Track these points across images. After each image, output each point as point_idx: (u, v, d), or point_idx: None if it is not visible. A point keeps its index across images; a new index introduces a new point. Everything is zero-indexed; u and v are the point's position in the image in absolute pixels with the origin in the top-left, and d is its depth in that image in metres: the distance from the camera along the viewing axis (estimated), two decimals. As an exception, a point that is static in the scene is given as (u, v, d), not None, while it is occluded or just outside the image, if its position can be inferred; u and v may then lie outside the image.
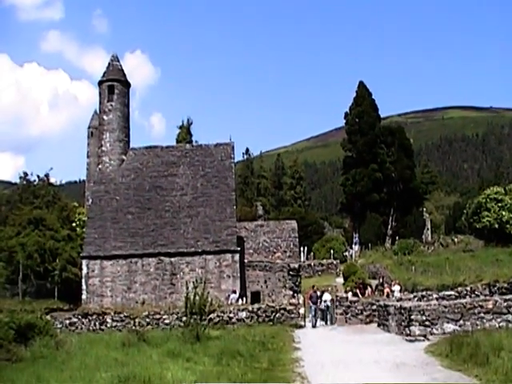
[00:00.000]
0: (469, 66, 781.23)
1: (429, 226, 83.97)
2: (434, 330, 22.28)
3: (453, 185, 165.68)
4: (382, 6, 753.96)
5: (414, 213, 79.34)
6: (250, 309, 29.52)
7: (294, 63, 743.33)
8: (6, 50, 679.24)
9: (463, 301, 23.67)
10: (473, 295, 28.27)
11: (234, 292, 35.40)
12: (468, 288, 29.89)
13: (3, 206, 66.71)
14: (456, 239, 69.95)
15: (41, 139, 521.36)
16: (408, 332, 22.65)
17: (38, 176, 66.72)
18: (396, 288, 35.75)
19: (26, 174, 67.58)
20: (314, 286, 34.94)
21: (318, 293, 33.03)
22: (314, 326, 30.08)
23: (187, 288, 24.95)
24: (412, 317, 22.66)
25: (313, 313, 30.95)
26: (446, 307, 22.77)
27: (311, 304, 31.57)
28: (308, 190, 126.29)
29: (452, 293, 28.89)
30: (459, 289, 29.95)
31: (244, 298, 36.58)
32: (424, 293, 30.14)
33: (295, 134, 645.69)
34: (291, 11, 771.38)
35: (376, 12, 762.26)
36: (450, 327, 22.23)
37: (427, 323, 22.51)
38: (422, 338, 21.80)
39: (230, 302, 32.92)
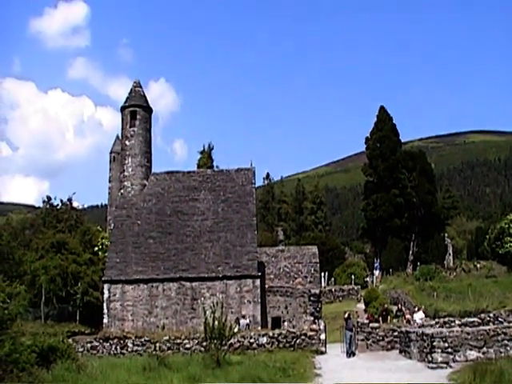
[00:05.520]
0: (490, 90, 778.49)
1: (451, 252, 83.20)
2: (457, 357, 22.05)
3: (475, 210, 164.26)
4: (402, 30, 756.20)
5: (435, 238, 78.75)
6: (271, 334, 29.41)
7: (314, 88, 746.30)
8: (32, 78, 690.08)
9: (486, 327, 23.41)
10: (496, 322, 27.93)
11: (244, 317, 34.95)
12: (491, 314, 29.54)
13: (27, 230, 67.34)
14: (478, 265, 69.24)
15: (66, 164, 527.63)
16: (430, 359, 22.43)
17: (61, 200, 67.41)
18: (419, 315, 35.04)
19: (49, 198, 68.30)
20: (346, 312, 33.62)
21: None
22: (353, 354, 28.02)
23: (205, 313, 24.89)
24: (434, 343, 22.44)
25: (348, 341, 28.54)
26: (468, 334, 22.54)
27: (347, 331, 28.89)
28: (329, 215, 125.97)
29: (475, 319, 28.55)
30: (482, 315, 29.60)
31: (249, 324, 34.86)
32: (446, 319, 29.80)
33: (316, 159, 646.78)
34: (311, 37, 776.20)
35: (396, 37, 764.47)
36: (473, 354, 22.00)
37: (450, 350, 22.28)
38: (445, 366, 21.58)
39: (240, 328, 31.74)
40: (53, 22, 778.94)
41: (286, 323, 39.44)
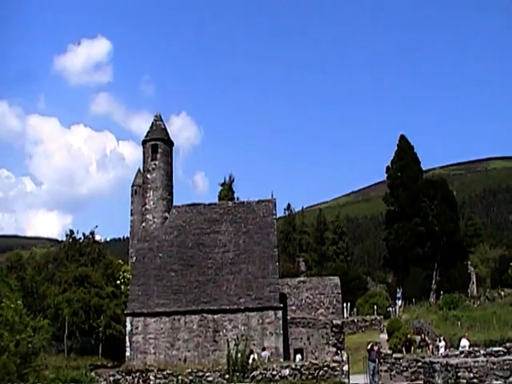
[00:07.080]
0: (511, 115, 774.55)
1: (474, 280, 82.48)
2: (483, 388, 21.75)
3: (498, 237, 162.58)
4: (420, 59, 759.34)
5: (458, 266, 78.08)
6: (294, 366, 29.27)
7: (333, 118, 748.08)
8: (56, 114, 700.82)
9: (512, 357, 23.10)
10: (522, 351, 27.53)
11: (264, 349, 34.62)
12: (517, 344, 29.12)
13: (50, 264, 67.91)
14: (503, 293, 68.58)
15: (88, 198, 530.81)
16: (455, 390, 22.16)
17: (84, 234, 68.01)
18: (463, 342, 34.08)
19: (72, 231, 68.92)
20: (369, 343, 33.25)
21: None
22: None
23: (228, 345, 24.84)
24: (459, 374, 22.13)
25: (371, 372, 28.72)
26: (494, 364, 22.21)
27: (370, 362, 29.13)
28: (350, 244, 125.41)
29: (500, 349, 28.07)
30: (507, 344, 29.11)
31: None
32: (471, 349, 29.45)
33: (336, 188, 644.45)
34: (331, 64, 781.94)
35: (415, 64, 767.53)
36: (498, 385, 21.68)
37: (475, 381, 21.93)
38: (470, 396, 21.30)
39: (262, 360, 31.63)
40: (76, 58, 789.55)
41: (298, 355, 39.23)
